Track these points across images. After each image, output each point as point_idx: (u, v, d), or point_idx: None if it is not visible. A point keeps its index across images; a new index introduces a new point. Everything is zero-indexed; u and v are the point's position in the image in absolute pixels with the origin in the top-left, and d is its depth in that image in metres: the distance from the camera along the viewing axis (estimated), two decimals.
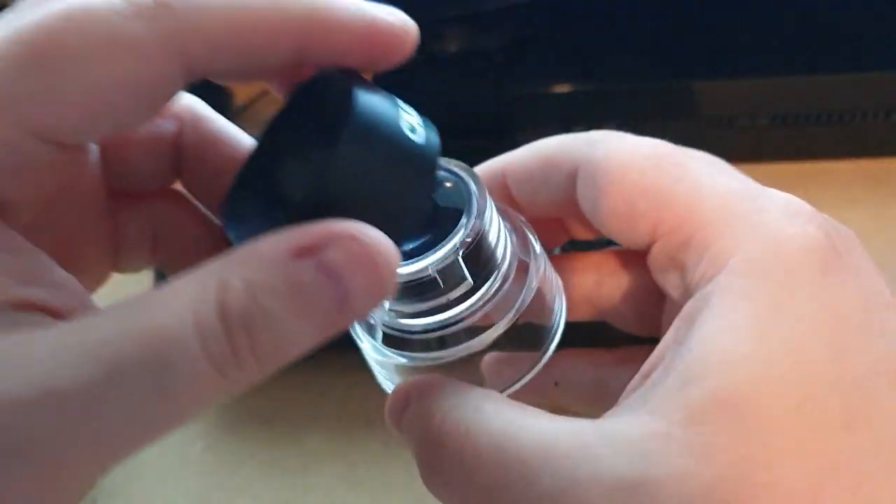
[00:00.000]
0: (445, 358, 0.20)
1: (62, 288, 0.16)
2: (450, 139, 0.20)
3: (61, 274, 0.16)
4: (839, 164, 0.49)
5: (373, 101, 0.17)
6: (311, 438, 0.40)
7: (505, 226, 0.21)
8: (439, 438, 0.18)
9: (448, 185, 0.21)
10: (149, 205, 0.21)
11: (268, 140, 0.20)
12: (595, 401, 0.24)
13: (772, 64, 0.47)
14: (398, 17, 0.18)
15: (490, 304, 0.20)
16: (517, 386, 0.21)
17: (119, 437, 0.14)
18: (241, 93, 0.61)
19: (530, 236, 0.22)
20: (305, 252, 0.15)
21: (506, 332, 0.20)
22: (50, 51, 0.15)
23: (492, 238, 0.20)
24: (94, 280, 0.21)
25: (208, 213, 0.22)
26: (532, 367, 0.22)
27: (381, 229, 0.16)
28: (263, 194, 0.18)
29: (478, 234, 0.19)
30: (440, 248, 0.19)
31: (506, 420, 0.17)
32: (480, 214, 0.20)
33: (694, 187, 0.19)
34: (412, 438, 0.19)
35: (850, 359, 0.16)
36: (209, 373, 0.14)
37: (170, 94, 0.17)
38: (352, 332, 0.22)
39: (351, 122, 0.16)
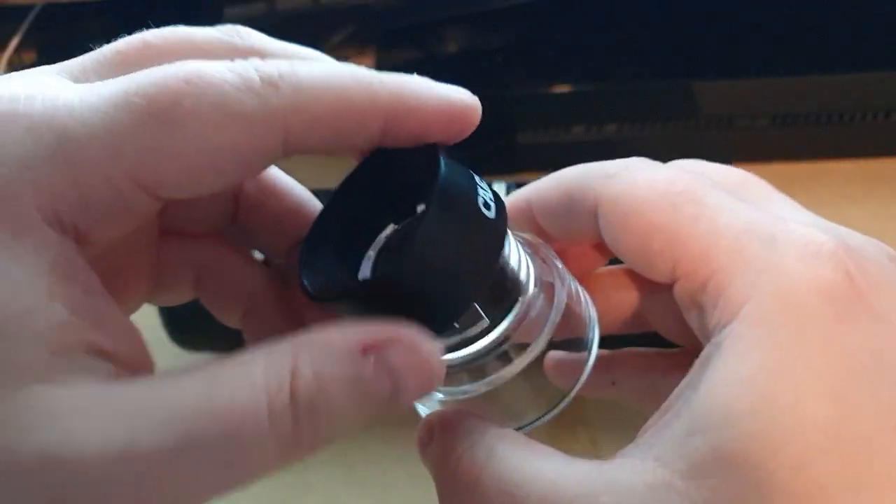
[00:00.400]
0: (472, 392, 0.21)
1: (128, 337, 0.17)
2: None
3: (127, 322, 0.17)
4: (839, 164, 0.49)
5: (455, 178, 0.18)
6: None
7: (524, 251, 0.21)
8: (455, 478, 0.19)
9: None
10: (197, 244, 0.22)
11: (348, 199, 0.20)
12: (649, 401, 0.24)
13: (772, 64, 0.47)
14: (467, 95, 0.20)
15: (516, 333, 0.20)
16: (549, 417, 0.22)
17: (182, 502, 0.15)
18: None
19: (553, 261, 0.22)
20: (370, 349, 0.17)
21: (537, 358, 0.21)
22: (170, 109, 0.16)
23: (511, 267, 0.20)
24: (127, 309, 0.22)
25: (254, 257, 0.23)
26: (563, 397, 0.22)
27: (448, 300, 0.18)
28: (341, 256, 0.19)
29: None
30: None
31: (516, 466, 0.18)
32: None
33: (709, 228, 0.19)
34: (433, 472, 0.20)
35: (855, 413, 0.16)
36: (273, 451, 0.16)
37: (266, 165, 0.18)
38: None
39: (436, 201, 0.18)
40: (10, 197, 0.15)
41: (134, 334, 0.17)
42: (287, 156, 0.18)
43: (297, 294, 0.21)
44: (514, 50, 0.52)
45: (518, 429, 0.21)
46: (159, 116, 0.16)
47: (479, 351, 0.20)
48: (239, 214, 0.22)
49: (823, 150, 0.49)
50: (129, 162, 0.16)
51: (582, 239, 0.23)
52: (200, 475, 0.15)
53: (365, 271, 0.20)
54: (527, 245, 0.22)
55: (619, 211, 0.20)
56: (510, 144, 0.49)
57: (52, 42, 0.59)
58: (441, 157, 0.18)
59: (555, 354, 0.21)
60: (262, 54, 0.19)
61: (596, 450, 0.37)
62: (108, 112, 0.16)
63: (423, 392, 0.18)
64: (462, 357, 0.20)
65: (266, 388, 0.15)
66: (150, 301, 0.22)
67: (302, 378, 0.16)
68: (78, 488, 0.14)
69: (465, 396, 0.21)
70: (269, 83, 0.17)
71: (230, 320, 0.23)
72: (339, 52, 0.63)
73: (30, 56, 0.64)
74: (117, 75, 0.17)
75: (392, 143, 0.19)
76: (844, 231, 0.20)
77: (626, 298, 0.24)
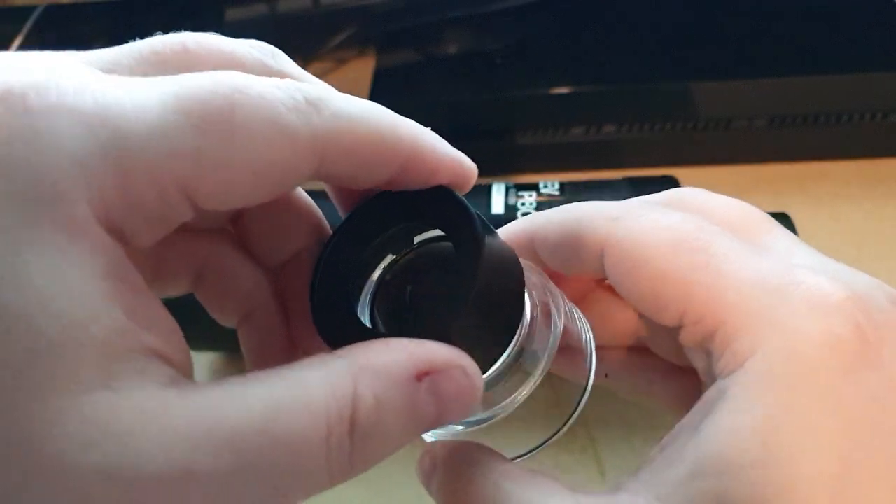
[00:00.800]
0: (482, 423, 0.21)
1: (176, 338, 0.16)
2: (450, 140, 0.20)
3: (173, 322, 0.17)
4: (836, 164, 0.49)
5: (481, 219, 0.19)
6: None
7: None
8: None
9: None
10: (198, 239, 0.22)
11: (350, 237, 0.21)
12: (645, 396, 0.25)
13: (770, 65, 0.47)
14: (468, 160, 0.20)
15: (519, 360, 0.20)
16: (550, 442, 0.22)
17: None
18: None
19: (548, 286, 0.22)
20: (424, 375, 0.17)
21: (539, 385, 0.21)
22: (226, 119, 0.16)
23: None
24: None
25: (252, 258, 0.23)
26: (563, 423, 0.22)
27: (492, 345, 0.19)
28: (347, 293, 0.20)
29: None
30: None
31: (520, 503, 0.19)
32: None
33: (715, 277, 0.19)
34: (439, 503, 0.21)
35: (857, 468, 0.17)
36: (325, 477, 0.16)
37: (294, 187, 0.18)
38: None
39: (481, 248, 0.18)
40: (64, 196, 0.15)
41: (180, 335, 0.17)
42: (315, 180, 0.18)
43: (294, 303, 0.22)
44: (514, 50, 0.52)
45: (521, 456, 0.22)
46: (214, 124, 0.16)
47: (488, 379, 0.20)
48: (243, 217, 0.22)
49: (821, 151, 0.49)
50: (180, 168, 0.16)
51: (585, 275, 0.23)
52: (254, 498, 0.15)
53: (363, 309, 0.20)
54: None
55: (627, 257, 0.20)
56: (510, 144, 0.50)
57: (55, 43, 0.59)
58: (462, 198, 0.19)
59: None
60: (293, 79, 0.19)
61: (594, 445, 0.38)
62: (162, 115, 0.15)
63: (463, 417, 0.18)
64: None
65: (327, 417, 0.15)
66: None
67: (363, 407, 0.16)
68: None
69: (475, 428, 0.21)
70: (314, 105, 0.17)
71: (227, 320, 0.23)
72: (339, 53, 0.63)
73: None
74: (153, 75, 0.17)
75: (401, 183, 0.19)
76: (847, 273, 0.20)
77: (621, 317, 0.24)
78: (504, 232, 0.23)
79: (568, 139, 0.49)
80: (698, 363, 0.20)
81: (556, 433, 0.22)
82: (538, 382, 0.20)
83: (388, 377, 0.16)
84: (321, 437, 0.15)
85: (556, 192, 0.40)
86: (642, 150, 0.50)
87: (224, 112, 0.16)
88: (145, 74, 0.17)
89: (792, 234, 0.22)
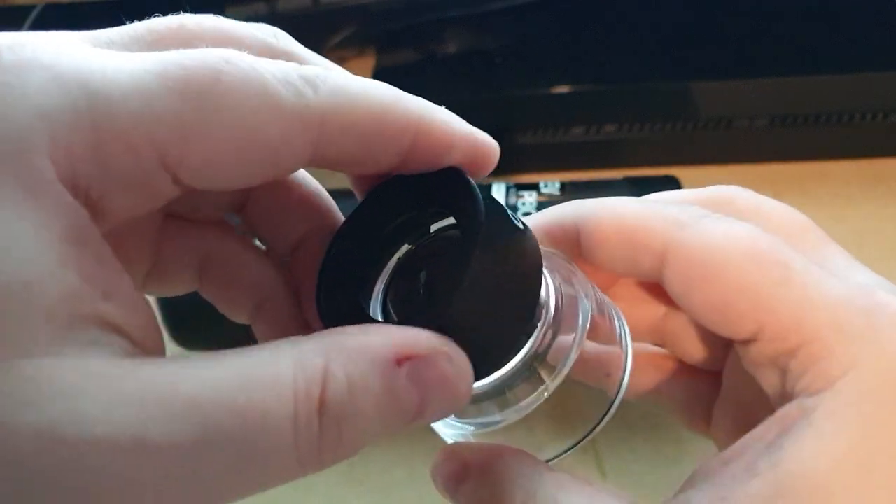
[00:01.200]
0: (503, 422, 0.20)
1: (142, 314, 0.15)
2: None
3: (141, 298, 0.16)
4: (837, 164, 0.49)
5: (490, 205, 0.18)
6: None
7: (550, 272, 0.20)
8: None
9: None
10: (201, 231, 0.21)
11: (363, 223, 0.20)
12: (652, 396, 0.24)
13: (770, 65, 0.47)
14: (488, 137, 0.19)
15: (542, 353, 0.19)
16: (584, 443, 0.21)
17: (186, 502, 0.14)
18: None
19: (577, 275, 0.21)
20: (405, 360, 0.16)
21: (566, 380, 0.20)
22: (209, 85, 0.15)
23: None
24: None
25: (261, 248, 0.22)
26: (599, 420, 0.21)
27: (493, 345, 0.18)
28: (358, 282, 0.19)
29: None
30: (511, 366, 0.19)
31: None
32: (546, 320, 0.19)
33: (801, 295, 0.18)
34: None
35: None
36: (294, 459, 0.15)
37: (291, 169, 0.17)
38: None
39: (483, 239, 0.17)
40: (25, 148, 0.14)
41: (147, 312, 0.16)
42: (313, 165, 0.17)
43: (307, 291, 0.20)
44: (514, 50, 0.52)
45: (551, 459, 0.21)
46: (196, 90, 0.15)
47: (506, 374, 0.19)
48: (248, 205, 0.21)
49: (822, 151, 0.49)
50: (158, 133, 0.15)
51: (633, 277, 0.22)
52: (215, 477, 0.14)
53: (377, 299, 0.20)
54: (547, 259, 0.21)
55: (698, 266, 0.19)
56: (510, 144, 0.49)
57: None
58: (471, 180, 0.18)
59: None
60: (297, 59, 0.19)
61: (594, 446, 0.37)
62: (142, 78, 0.15)
63: (449, 413, 0.17)
64: (489, 383, 0.19)
65: (295, 391, 0.14)
66: (146, 291, 0.21)
67: (333, 385, 0.15)
68: (76, 476, 0.13)
69: (497, 427, 0.20)
70: (309, 82, 0.16)
71: (238, 315, 0.22)
72: (339, 53, 0.63)
73: None
74: (149, 52, 0.16)
75: (414, 164, 0.18)
76: None
77: (644, 314, 0.23)
78: (545, 216, 0.22)
79: (568, 139, 0.49)
80: (767, 379, 0.19)
81: (590, 431, 0.21)
82: (561, 381, 0.19)
83: (363, 357, 0.15)
84: (288, 413, 0.14)
85: (557, 192, 0.40)
86: (643, 150, 0.50)
87: (208, 80, 0.15)
88: (141, 52, 0.16)
89: (842, 249, 0.21)
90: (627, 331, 0.22)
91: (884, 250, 0.44)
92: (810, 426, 0.17)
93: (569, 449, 0.21)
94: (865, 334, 0.18)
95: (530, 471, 0.19)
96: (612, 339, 0.21)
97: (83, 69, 0.15)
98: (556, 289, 0.20)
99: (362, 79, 0.17)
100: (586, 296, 0.20)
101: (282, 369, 0.15)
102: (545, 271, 0.20)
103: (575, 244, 0.22)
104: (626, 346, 0.21)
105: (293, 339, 0.16)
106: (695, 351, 0.23)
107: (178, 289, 0.21)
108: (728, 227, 0.19)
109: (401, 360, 0.16)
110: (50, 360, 0.13)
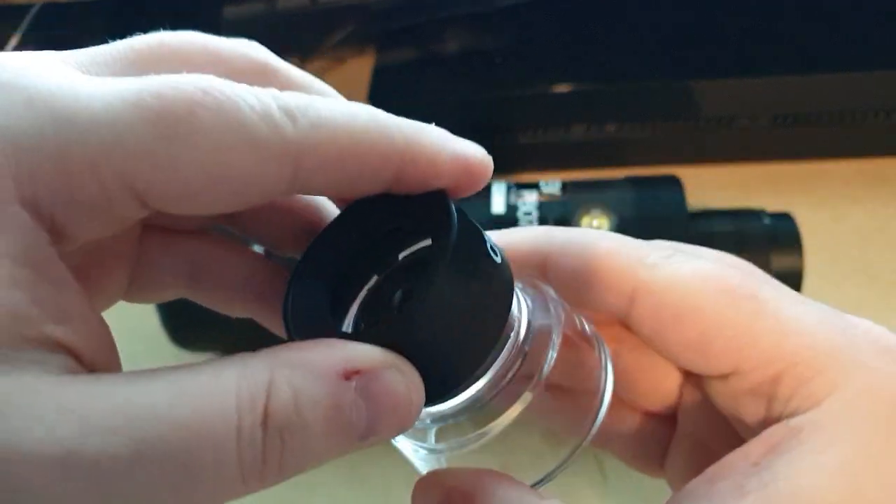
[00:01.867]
0: (480, 440, 0.19)
1: (94, 334, 0.15)
2: None
3: (96, 319, 0.16)
4: (839, 164, 0.49)
5: (465, 234, 0.18)
6: None
7: (522, 290, 0.20)
8: None
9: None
10: (185, 240, 0.21)
11: (336, 239, 0.20)
12: (602, 444, 0.24)
13: (772, 64, 0.47)
14: (481, 152, 0.19)
15: (514, 369, 0.19)
16: (563, 468, 0.20)
17: None
18: None
19: (551, 299, 0.21)
20: (353, 374, 0.16)
21: (540, 397, 0.19)
22: (183, 118, 0.15)
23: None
24: (99, 305, 0.20)
25: (251, 250, 0.22)
26: (577, 445, 0.20)
27: (454, 368, 0.17)
28: (329, 300, 0.18)
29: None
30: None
31: None
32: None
33: (776, 323, 0.19)
34: None
35: None
36: (236, 475, 0.14)
37: (268, 199, 0.17)
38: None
39: (451, 260, 0.17)
40: None
41: (102, 332, 0.16)
42: (294, 193, 0.17)
43: None
44: (514, 50, 0.52)
45: (534, 485, 0.20)
46: (169, 121, 0.15)
47: (477, 393, 0.19)
48: (238, 216, 0.21)
49: (823, 150, 0.49)
50: (126, 163, 0.15)
51: (595, 312, 0.22)
52: (152, 492, 0.14)
53: (350, 318, 0.19)
54: (521, 282, 0.21)
55: (671, 307, 0.19)
56: (511, 143, 0.49)
57: (51, 42, 0.59)
58: (451, 204, 0.18)
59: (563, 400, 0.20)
60: (280, 77, 0.18)
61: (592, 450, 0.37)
62: (114, 105, 0.15)
63: (400, 429, 0.17)
64: (462, 401, 0.19)
65: (237, 403, 0.14)
66: (131, 299, 0.21)
67: (278, 398, 0.15)
68: (8, 491, 0.13)
69: (472, 447, 0.19)
70: (288, 114, 0.16)
71: (236, 311, 0.21)
72: (339, 52, 0.63)
73: None
74: (130, 72, 0.16)
75: (400, 189, 0.18)
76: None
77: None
78: (511, 240, 0.22)
79: (569, 138, 0.49)
80: (747, 408, 0.19)
81: (568, 457, 0.20)
82: (540, 392, 0.19)
83: (310, 370, 0.15)
84: (231, 425, 0.14)
85: (557, 192, 0.39)
86: (644, 149, 0.49)
87: (182, 112, 0.15)
88: (123, 73, 0.16)
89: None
90: (609, 357, 0.21)
91: (884, 250, 0.44)
92: (800, 444, 0.17)
93: (552, 472, 0.20)
94: (846, 353, 0.18)
95: (517, 495, 0.18)
96: (590, 355, 0.21)
97: (56, 93, 0.15)
98: (528, 310, 0.20)
99: (346, 106, 0.17)
100: (560, 313, 0.20)
101: (224, 381, 0.15)
102: (518, 292, 0.19)
103: (540, 268, 0.22)
104: (606, 362, 0.21)
105: (240, 354, 0.15)
106: (648, 391, 0.23)
107: (165, 296, 0.21)
108: (697, 266, 0.20)
109: (349, 374, 0.15)
110: None
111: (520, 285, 0.20)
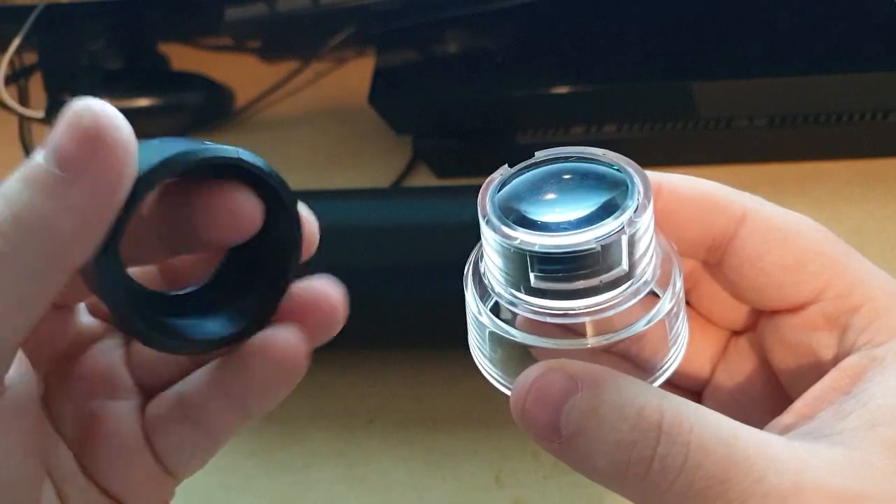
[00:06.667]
0: (586, 345, 0.19)
1: None
2: (450, 139, 0.20)
3: None
4: (837, 164, 0.49)
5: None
6: (312, 437, 0.40)
7: (657, 242, 0.20)
8: (657, 433, 0.18)
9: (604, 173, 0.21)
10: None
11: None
12: None
13: (770, 65, 0.47)
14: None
15: (639, 295, 0.19)
16: (669, 371, 0.21)
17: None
18: (241, 94, 0.61)
19: (675, 267, 0.21)
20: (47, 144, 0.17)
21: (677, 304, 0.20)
22: None
23: (644, 242, 0.19)
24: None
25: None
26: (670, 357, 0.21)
27: None
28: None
29: (643, 218, 0.19)
30: (604, 224, 0.18)
31: (724, 422, 0.18)
32: (647, 198, 0.19)
33: (862, 265, 0.21)
34: (591, 430, 0.18)
35: None
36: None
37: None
38: (470, 298, 0.21)
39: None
40: None
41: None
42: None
43: None
44: (514, 50, 0.52)
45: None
46: None
47: (612, 298, 0.19)
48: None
49: (821, 151, 0.49)
50: None
51: (690, 250, 0.22)
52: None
53: None
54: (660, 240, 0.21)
55: (777, 229, 0.21)
56: (510, 144, 0.49)
57: (53, 43, 0.59)
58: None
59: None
60: None
61: None
62: None
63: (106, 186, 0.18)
64: (593, 304, 0.19)
65: None
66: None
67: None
68: None
69: (616, 339, 0.19)
70: None
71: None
72: (339, 53, 0.63)
73: (31, 57, 0.64)
74: None
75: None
76: None
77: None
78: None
79: (569, 138, 0.49)
80: (822, 340, 0.21)
81: (669, 363, 0.21)
82: (678, 297, 0.20)
83: None
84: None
85: None
86: (643, 150, 0.50)
87: None
88: None
89: None
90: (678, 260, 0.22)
91: (884, 250, 0.44)
92: (885, 370, 0.19)
93: (663, 372, 0.21)
94: None
95: (642, 386, 0.19)
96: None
97: None
98: (657, 258, 0.20)
99: None
100: (676, 291, 0.21)
101: None
102: (654, 241, 0.20)
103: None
104: (676, 273, 0.21)
105: None
106: (682, 366, 0.23)
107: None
108: (797, 214, 0.22)
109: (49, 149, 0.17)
110: None
111: (660, 244, 0.21)
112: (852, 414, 0.18)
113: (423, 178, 0.52)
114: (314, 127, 0.58)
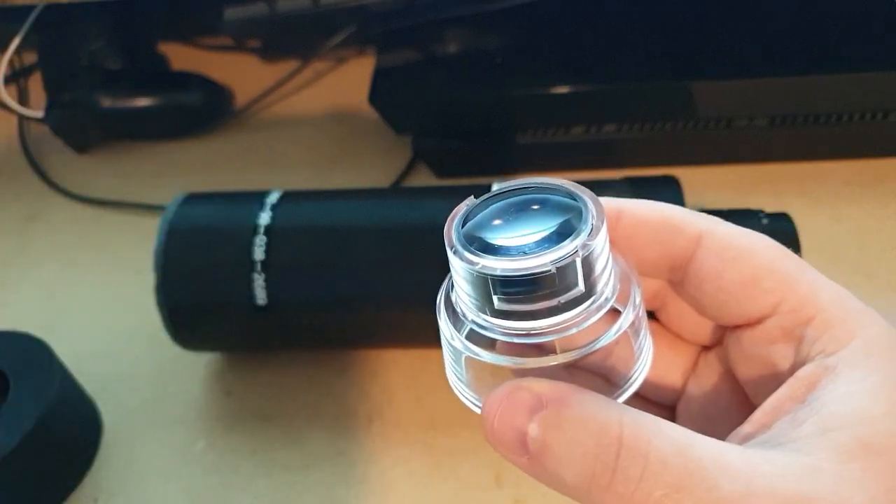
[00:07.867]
0: (551, 362, 0.20)
1: None
2: (450, 139, 0.20)
3: None
4: (837, 164, 0.49)
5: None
6: (311, 437, 0.40)
7: (612, 261, 0.21)
8: (617, 446, 0.19)
9: (558, 201, 0.21)
10: None
11: None
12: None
13: (770, 65, 0.47)
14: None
15: (600, 312, 0.20)
16: (632, 389, 0.22)
17: None
18: (241, 94, 0.61)
19: (634, 284, 0.22)
20: None
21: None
22: None
23: (600, 263, 0.20)
24: None
25: None
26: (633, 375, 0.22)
27: None
28: None
29: (596, 240, 0.20)
30: (560, 247, 0.19)
31: (681, 433, 0.19)
32: (600, 221, 0.20)
33: (814, 279, 0.22)
34: (556, 445, 0.19)
35: None
36: None
37: None
38: (443, 325, 0.22)
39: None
40: None
41: None
42: None
43: None
44: (514, 50, 0.52)
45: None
46: None
47: (572, 317, 0.20)
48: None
49: (821, 151, 0.49)
50: None
51: (653, 270, 0.24)
52: None
53: None
54: (616, 259, 0.22)
55: (732, 247, 0.22)
56: (510, 144, 0.49)
57: (53, 43, 0.59)
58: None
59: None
60: None
61: None
62: None
63: None
64: (553, 324, 0.20)
65: None
66: None
67: None
68: None
69: (582, 354, 0.20)
70: None
71: None
72: (339, 53, 0.63)
73: (31, 57, 0.64)
74: None
75: None
76: None
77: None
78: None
79: (569, 138, 0.49)
80: (780, 352, 0.22)
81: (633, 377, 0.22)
82: (638, 315, 0.21)
83: None
84: None
85: None
86: (643, 150, 0.50)
87: None
88: None
89: None
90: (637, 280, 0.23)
91: (884, 250, 0.44)
92: (837, 377, 0.20)
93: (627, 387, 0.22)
94: (863, 311, 0.21)
95: (605, 402, 0.19)
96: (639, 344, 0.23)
97: None
98: (615, 278, 0.21)
99: None
100: (636, 305, 0.22)
101: None
102: (611, 258, 0.21)
103: (613, 231, 0.24)
104: (636, 286, 0.22)
105: None
106: (654, 381, 0.25)
107: None
108: (751, 231, 0.23)
109: None
110: None
111: (617, 264, 0.22)
112: (807, 422, 0.19)
113: (423, 178, 0.52)
114: (314, 127, 0.59)
